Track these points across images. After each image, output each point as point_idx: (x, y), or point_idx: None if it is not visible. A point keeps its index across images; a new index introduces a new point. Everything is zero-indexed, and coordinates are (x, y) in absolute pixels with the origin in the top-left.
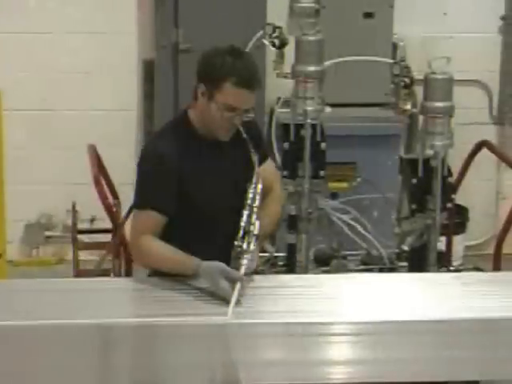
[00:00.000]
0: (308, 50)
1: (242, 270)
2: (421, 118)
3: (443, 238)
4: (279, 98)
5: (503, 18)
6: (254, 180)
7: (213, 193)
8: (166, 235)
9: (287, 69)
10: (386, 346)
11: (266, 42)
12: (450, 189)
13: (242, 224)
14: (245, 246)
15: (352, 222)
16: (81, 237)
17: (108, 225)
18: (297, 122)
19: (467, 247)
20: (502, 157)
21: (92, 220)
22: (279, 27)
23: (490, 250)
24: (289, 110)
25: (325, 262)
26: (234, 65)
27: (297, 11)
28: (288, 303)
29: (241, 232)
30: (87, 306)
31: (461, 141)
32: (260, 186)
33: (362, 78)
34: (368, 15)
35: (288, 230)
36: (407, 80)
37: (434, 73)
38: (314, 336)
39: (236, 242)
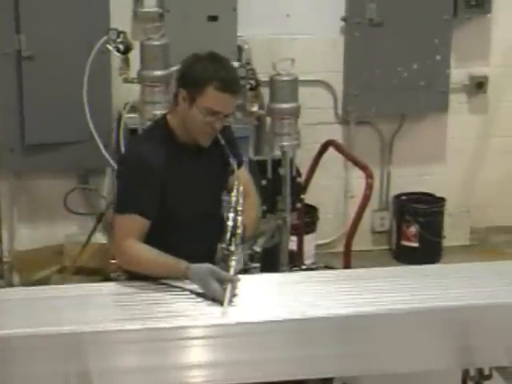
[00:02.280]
0: (153, 55)
1: (232, 270)
2: (268, 119)
3: (294, 238)
4: (126, 104)
5: (344, 20)
6: (235, 183)
7: (192, 197)
8: (146, 239)
9: (134, 74)
10: (242, 347)
11: (110, 47)
12: (299, 189)
13: (230, 225)
14: (233, 247)
15: None
16: None
17: None
18: (144, 126)
19: (318, 246)
20: (347, 155)
21: None
22: (123, 32)
23: (340, 248)
24: (137, 115)
25: None
26: (216, 69)
27: (141, 16)
28: (143, 308)
29: (228, 234)
30: None
31: (308, 141)
32: (242, 189)
33: None
34: (212, 18)
35: None
36: (253, 82)
37: (279, 74)
38: (170, 341)
39: (223, 245)
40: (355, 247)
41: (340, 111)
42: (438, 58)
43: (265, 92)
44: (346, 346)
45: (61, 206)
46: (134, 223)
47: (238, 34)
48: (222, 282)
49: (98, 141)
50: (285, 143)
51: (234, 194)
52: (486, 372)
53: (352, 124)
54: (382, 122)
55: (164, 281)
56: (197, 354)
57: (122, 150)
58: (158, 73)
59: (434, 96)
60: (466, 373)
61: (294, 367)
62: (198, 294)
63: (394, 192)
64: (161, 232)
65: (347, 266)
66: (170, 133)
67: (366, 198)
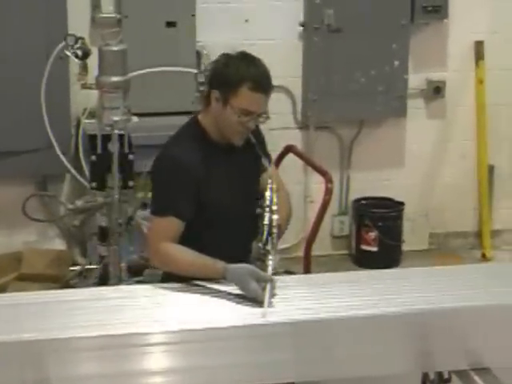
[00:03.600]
0: (111, 61)
1: (269, 270)
2: None
3: None
4: (85, 109)
5: (302, 25)
6: (269, 182)
7: (226, 196)
8: (180, 239)
9: (92, 79)
10: (204, 353)
11: (68, 53)
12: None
13: (266, 225)
14: (269, 246)
15: None
16: None
17: None
18: (104, 133)
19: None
20: (306, 160)
21: None
22: (81, 38)
23: (300, 253)
24: (95, 120)
25: (138, 272)
26: (248, 69)
27: (99, 21)
28: (103, 315)
29: (265, 233)
30: None
31: (269, 146)
32: (275, 188)
33: (168, 86)
34: (170, 24)
35: (99, 242)
36: None
37: None
38: (131, 347)
39: (259, 244)
40: (315, 252)
41: (299, 116)
42: (395, 63)
43: None
44: (306, 350)
45: (19, 212)
46: (171, 225)
47: (197, 40)
48: (260, 281)
49: (57, 147)
50: None
51: (268, 193)
52: (446, 376)
53: (311, 129)
54: (341, 127)
55: (199, 282)
56: (158, 360)
57: (81, 156)
58: (116, 78)
59: (393, 101)
60: (425, 376)
61: (253, 372)
62: (237, 295)
63: (353, 196)
64: (195, 232)
65: (307, 270)
66: (203, 133)
67: (326, 203)
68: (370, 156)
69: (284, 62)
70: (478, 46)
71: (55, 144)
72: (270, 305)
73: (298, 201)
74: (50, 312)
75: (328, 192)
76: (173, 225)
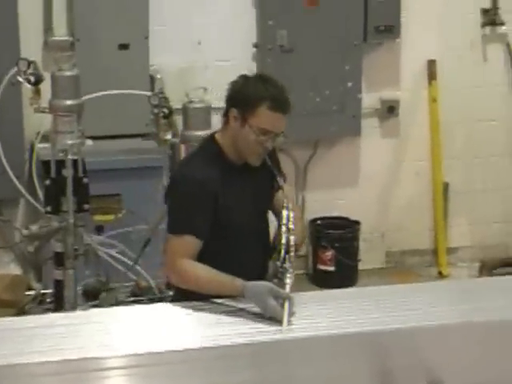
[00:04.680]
0: (64, 84)
1: (288, 288)
2: (182, 147)
3: None
4: (38, 133)
5: (256, 46)
6: (284, 201)
7: (242, 214)
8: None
9: (46, 102)
10: (159, 377)
11: (20, 79)
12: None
13: (283, 243)
14: (287, 264)
15: (118, 256)
16: None
17: None
18: (57, 157)
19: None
20: None
21: None
22: (34, 62)
23: None
24: (49, 144)
25: (93, 296)
26: (267, 89)
27: (51, 44)
28: (56, 341)
29: (282, 252)
30: None
31: None
32: (291, 206)
33: (122, 109)
34: (123, 47)
35: (55, 266)
36: (166, 110)
37: (191, 102)
38: (87, 372)
39: (277, 262)
40: None
41: None
42: (349, 82)
43: (179, 120)
44: (261, 372)
45: None
46: (189, 244)
47: (151, 63)
48: (279, 299)
49: (10, 172)
50: None
51: (285, 212)
52: None
53: None
54: (296, 148)
55: (218, 300)
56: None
57: (35, 180)
58: (70, 102)
59: (347, 121)
60: None
61: None
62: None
63: (309, 216)
64: (210, 250)
65: None
66: (219, 151)
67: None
68: (325, 176)
69: None
70: (431, 65)
71: (8, 168)
72: (290, 323)
73: None
74: (6, 338)
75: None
76: (190, 243)
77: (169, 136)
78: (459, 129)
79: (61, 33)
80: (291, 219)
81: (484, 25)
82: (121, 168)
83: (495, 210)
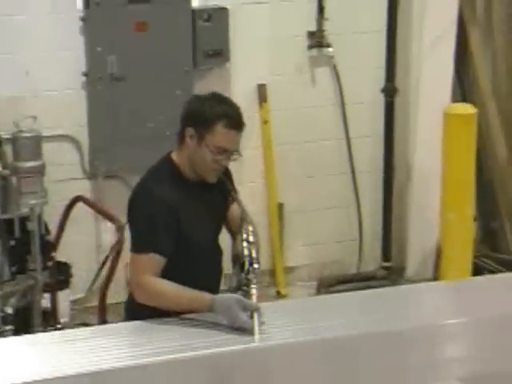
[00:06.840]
0: None
1: (254, 299)
2: (14, 178)
3: (48, 296)
4: None
5: (85, 75)
6: (241, 215)
7: (200, 230)
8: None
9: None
10: None
11: None
12: (49, 247)
13: (246, 255)
14: (252, 275)
15: None
16: None
17: None
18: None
19: (75, 302)
20: (97, 209)
21: None
22: None
23: (96, 302)
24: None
25: None
26: (222, 108)
27: None
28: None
29: (246, 264)
30: None
31: (57, 198)
32: (249, 219)
33: None
34: None
35: None
36: None
37: (21, 131)
38: None
39: (242, 274)
40: (112, 300)
41: (87, 166)
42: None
43: (9, 150)
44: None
45: None
46: (152, 261)
47: None
48: (247, 310)
49: None
50: (32, 201)
51: (244, 226)
52: None
53: (100, 178)
54: (130, 175)
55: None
56: None
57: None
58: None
59: None
60: None
61: None
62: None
63: None
64: (170, 265)
65: (103, 320)
66: (176, 170)
67: (117, 252)
68: None
69: (69, 112)
70: (261, 89)
71: None
72: (260, 332)
73: (90, 250)
74: None
75: (119, 240)
76: (154, 261)
77: None
78: (292, 149)
79: None
80: (250, 232)
81: (311, 47)
82: None
83: (330, 229)
